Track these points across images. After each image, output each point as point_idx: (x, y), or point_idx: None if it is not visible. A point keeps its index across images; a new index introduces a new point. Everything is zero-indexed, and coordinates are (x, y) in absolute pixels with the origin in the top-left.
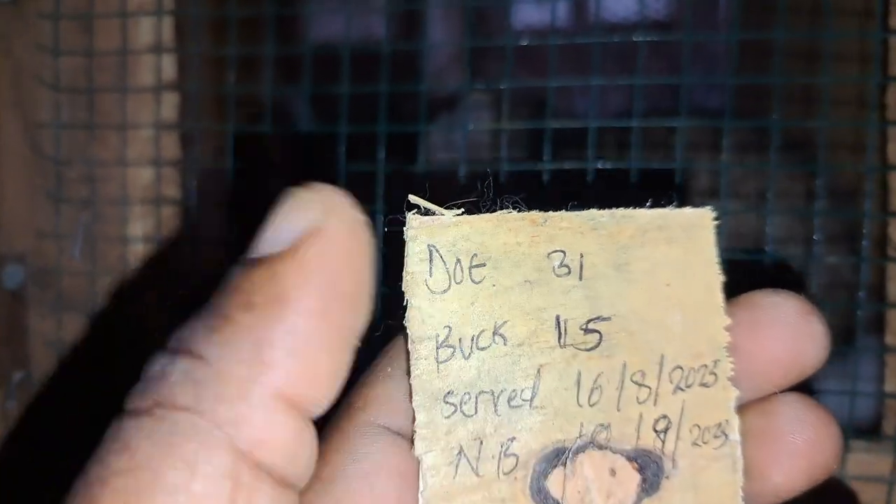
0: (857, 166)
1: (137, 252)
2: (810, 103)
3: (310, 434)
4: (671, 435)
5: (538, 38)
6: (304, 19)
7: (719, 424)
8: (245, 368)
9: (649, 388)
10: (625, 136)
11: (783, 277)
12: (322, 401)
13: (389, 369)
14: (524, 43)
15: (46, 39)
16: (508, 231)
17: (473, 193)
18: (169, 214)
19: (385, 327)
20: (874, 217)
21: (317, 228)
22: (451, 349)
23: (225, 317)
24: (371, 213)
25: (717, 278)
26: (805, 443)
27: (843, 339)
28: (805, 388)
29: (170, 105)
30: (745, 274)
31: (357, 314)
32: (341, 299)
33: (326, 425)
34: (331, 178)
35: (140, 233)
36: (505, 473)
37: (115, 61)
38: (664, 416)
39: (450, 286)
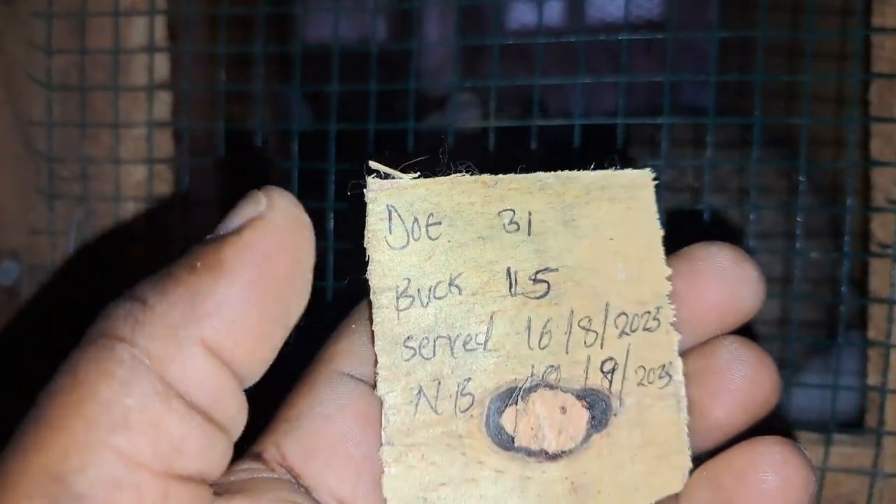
0: (839, 163)
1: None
2: (795, 99)
3: (234, 387)
4: (618, 375)
5: (533, 36)
6: (299, 17)
7: (663, 366)
8: (178, 315)
9: (596, 332)
10: (612, 133)
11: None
12: (245, 362)
13: (353, 326)
14: (510, 42)
15: (40, 38)
16: (462, 192)
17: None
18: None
19: (349, 281)
20: (856, 213)
21: (260, 217)
22: (410, 298)
23: (170, 274)
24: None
25: (657, 233)
26: (743, 379)
27: (827, 334)
28: (789, 383)
29: (162, 103)
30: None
31: (290, 294)
32: (274, 277)
33: (296, 380)
34: (321, 176)
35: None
36: (462, 411)
37: (108, 60)
38: (611, 359)
39: (408, 242)
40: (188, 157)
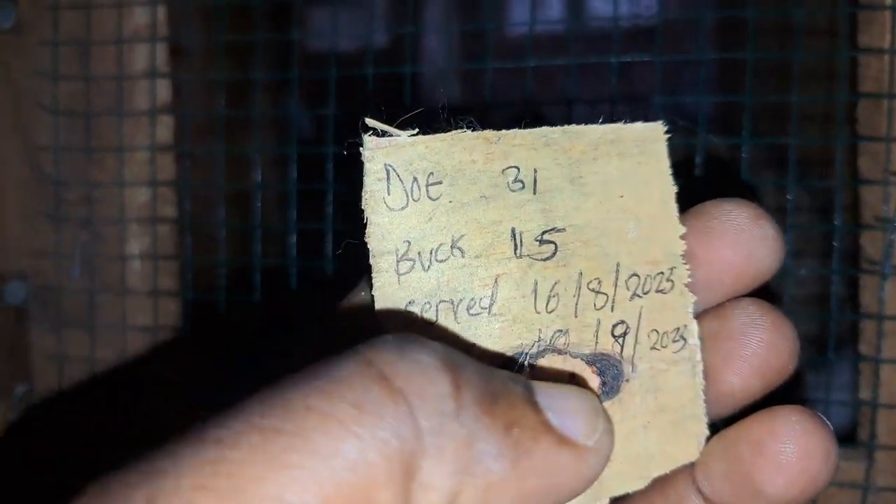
0: (828, 181)
1: (135, 269)
2: (785, 118)
3: None
4: (629, 340)
5: (533, 45)
6: (295, 43)
7: (677, 329)
8: (453, 450)
9: (606, 295)
10: None
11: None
12: None
13: (363, 293)
14: (506, 66)
15: (45, 65)
16: (463, 149)
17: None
18: (165, 233)
19: (345, 245)
20: (845, 230)
21: (584, 448)
22: (411, 262)
23: (492, 412)
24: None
25: (670, 189)
26: (758, 343)
27: (819, 350)
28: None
29: (165, 127)
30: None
31: None
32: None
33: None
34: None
35: (137, 251)
36: None
37: (112, 86)
38: (622, 322)
39: (407, 203)
40: (190, 179)
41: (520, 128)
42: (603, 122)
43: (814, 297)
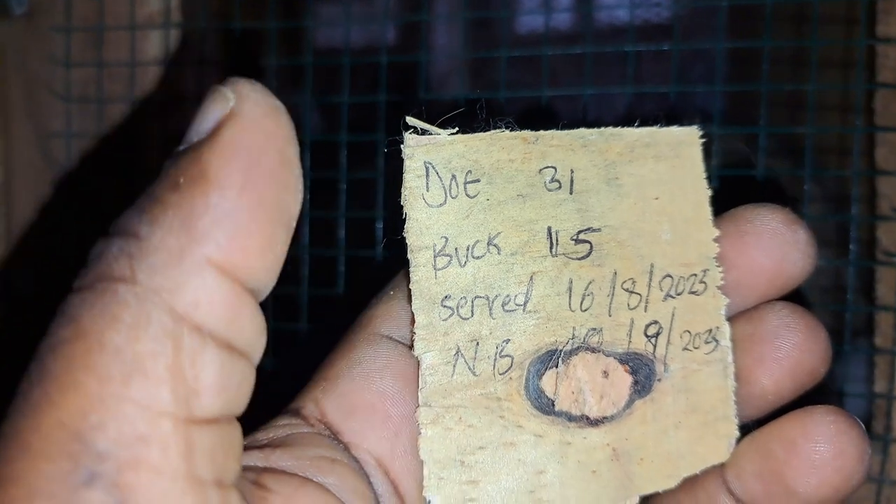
0: (844, 171)
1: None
2: (801, 108)
3: (250, 304)
4: (662, 340)
5: (541, 43)
6: (310, 30)
7: (710, 331)
8: (175, 240)
9: (640, 295)
10: None
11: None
12: (257, 272)
13: (392, 292)
14: (517, 54)
15: (58, 52)
16: (501, 149)
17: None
18: None
19: (387, 243)
20: (862, 221)
21: (233, 113)
22: (448, 258)
23: (154, 198)
24: (371, 219)
25: (704, 192)
26: (791, 346)
27: (834, 341)
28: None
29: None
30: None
31: (284, 190)
32: (264, 175)
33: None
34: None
35: None
36: (500, 373)
37: (125, 72)
38: (655, 322)
39: (446, 200)
40: None
41: (556, 129)
42: (639, 125)
43: (829, 289)
